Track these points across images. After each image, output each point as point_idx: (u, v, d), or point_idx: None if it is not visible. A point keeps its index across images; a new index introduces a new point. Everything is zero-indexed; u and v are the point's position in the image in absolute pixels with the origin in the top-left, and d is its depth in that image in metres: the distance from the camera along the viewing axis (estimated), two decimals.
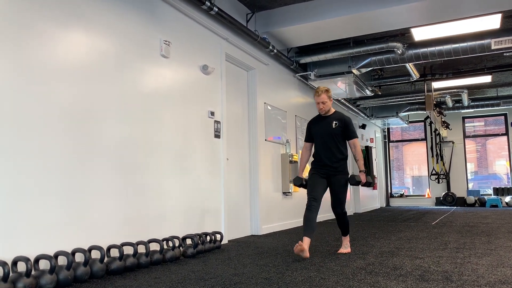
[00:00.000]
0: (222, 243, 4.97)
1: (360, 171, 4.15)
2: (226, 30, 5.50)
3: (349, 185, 4.03)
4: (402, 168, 15.54)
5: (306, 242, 3.83)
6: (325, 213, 8.70)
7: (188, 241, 4.40)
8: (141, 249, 3.82)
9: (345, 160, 4.15)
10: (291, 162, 6.97)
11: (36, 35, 3.05)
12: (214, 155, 5.11)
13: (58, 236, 3.10)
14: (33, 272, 2.80)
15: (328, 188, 4.17)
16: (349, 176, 4.15)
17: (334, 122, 4.10)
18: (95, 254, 3.33)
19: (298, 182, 4.25)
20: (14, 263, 2.71)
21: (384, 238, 5.37)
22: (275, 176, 6.70)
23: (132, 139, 3.86)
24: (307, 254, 3.75)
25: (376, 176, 13.11)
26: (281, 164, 6.92)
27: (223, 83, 5.37)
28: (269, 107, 6.64)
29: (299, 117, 7.88)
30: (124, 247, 3.62)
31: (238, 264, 3.63)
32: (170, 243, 4.20)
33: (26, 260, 2.66)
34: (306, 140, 4.35)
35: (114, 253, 3.51)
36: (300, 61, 7.52)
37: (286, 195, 7.01)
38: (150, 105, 4.12)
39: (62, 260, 3.08)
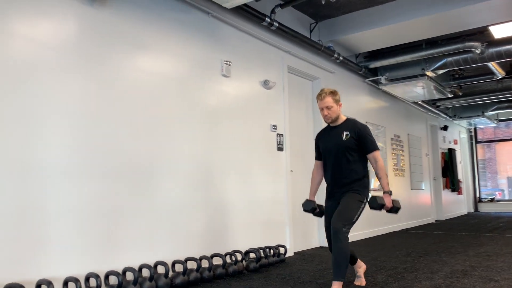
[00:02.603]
0: (287, 255, 5.01)
1: (384, 193, 3.18)
2: (288, 43, 5.53)
3: (361, 207, 3.16)
4: (495, 169, 14.37)
5: (360, 267, 3.47)
6: (400, 222, 8.36)
7: (252, 255, 4.50)
8: (205, 263, 3.98)
9: (362, 179, 3.25)
10: None
11: (108, 65, 3.34)
12: (278, 168, 5.17)
13: (126, 253, 3.36)
14: None
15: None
16: (368, 198, 3.24)
17: (345, 133, 3.26)
18: (161, 269, 3.54)
19: (308, 206, 3.51)
20: (87, 279, 2.99)
21: (460, 253, 5.03)
22: None
23: (196, 155, 4.05)
24: (363, 282, 3.46)
25: (461, 180, 12.27)
26: None
27: (285, 95, 5.41)
28: None
29: (371, 123, 7.65)
30: (188, 262, 3.79)
31: (297, 282, 3.65)
32: (234, 258, 4.32)
33: (96, 276, 2.93)
34: (316, 157, 3.57)
35: (179, 268, 3.71)
36: (370, 66, 7.31)
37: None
38: (213, 123, 4.29)
39: (130, 276, 3.32)
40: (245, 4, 4.51)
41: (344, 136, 3.26)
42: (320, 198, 3.62)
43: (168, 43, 3.91)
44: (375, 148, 3.25)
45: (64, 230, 2.98)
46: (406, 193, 8.83)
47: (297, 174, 5.64)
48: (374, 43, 6.53)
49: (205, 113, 4.22)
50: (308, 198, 3.60)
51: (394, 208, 3.19)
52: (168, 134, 3.82)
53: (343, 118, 3.38)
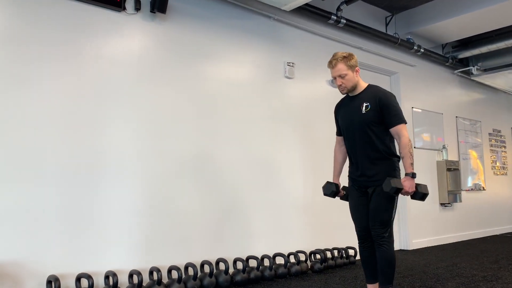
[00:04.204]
0: (358, 257, 4.87)
1: (406, 174, 2.67)
2: (359, 38, 5.37)
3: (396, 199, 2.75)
4: None
5: None
6: (501, 225, 7.59)
7: (317, 256, 4.47)
8: (267, 262, 4.06)
9: (389, 160, 2.75)
10: (449, 170, 6.32)
11: (175, 76, 3.61)
12: (345, 167, 5.04)
13: (189, 249, 3.58)
14: (165, 281, 3.30)
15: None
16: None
17: (364, 105, 2.75)
18: (222, 266, 3.71)
19: (328, 190, 3.04)
20: (150, 272, 3.26)
21: None
22: (429, 186, 6.16)
23: (262, 156, 4.16)
24: None
25: None
26: (437, 173, 6.33)
27: None
28: (418, 112, 6.18)
29: (462, 118, 7.07)
30: (250, 260, 3.90)
31: (358, 285, 3.56)
32: (297, 258, 4.34)
33: (157, 270, 3.18)
34: (337, 133, 3.07)
35: (240, 265, 3.84)
36: (458, 56, 6.76)
37: (445, 206, 6.38)
38: (278, 124, 4.36)
39: (191, 271, 3.53)
40: (307, 4, 4.50)
41: (364, 108, 2.75)
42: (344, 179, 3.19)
43: (230, 49, 4.07)
44: (400, 121, 2.69)
45: (131, 227, 3.28)
46: (509, 193, 7.98)
47: None
48: (463, 31, 6.00)
49: (269, 116, 4.31)
50: (330, 180, 3.12)
51: (419, 194, 2.67)
52: (233, 137, 3.97)
53: (363, 85, 2.84)
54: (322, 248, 4.44)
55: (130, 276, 3.13)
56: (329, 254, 4.43)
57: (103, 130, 3.22)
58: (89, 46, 3.21)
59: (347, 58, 2.76)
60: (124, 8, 3.42)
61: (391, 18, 5.83)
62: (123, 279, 3.14)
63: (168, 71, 3.63)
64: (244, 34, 4.21)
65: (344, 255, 4.48)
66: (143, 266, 3.28)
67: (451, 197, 6.30)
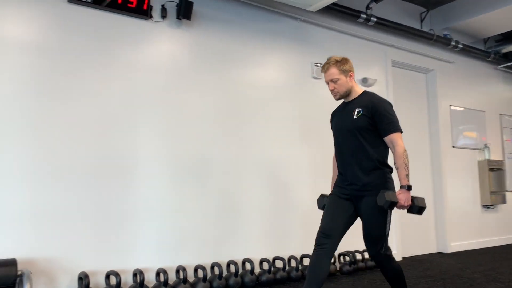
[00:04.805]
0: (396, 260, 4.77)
1: (401, 187, 2.47)
2: (391, 36, 5.25)
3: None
4: None
5: None
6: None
7: (348, 258, 4.43)
8: (294, 263, 4.07)
9: (380, 170, 2.56)
10: (492, 170, 6.05)
11: (205, 80, 3.72)
12: None
13: (214, 249, 3.66)
14: (191, 280, 3.40)
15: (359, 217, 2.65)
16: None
17: (356, 110, 2.58)
18: (248, 266, 3.76)
19: (321, 204, 2.84)
20: (177, 271, 3.37)
21: None
22: (469, 187, 5.94)
23: (294, 157, 4.18)
24: None
25: None
26: (479, 173, 6.07)
27: (389, 92, 5.16)
28: (456, 110, 5.95)
29: (507, 115, 6.74)
30: (276, 261, 3.93)
31: None
32: None
33: (183, 269, 3.28)
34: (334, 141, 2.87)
35: (265, 266, 3.88)
36: (502, 51, 6.43)
37: (488, 208, 6.11)
38: (306, 127, 4.36)
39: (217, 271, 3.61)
40: (335, 4, 4.47)
41: (356, 113, 2.57)
42: None
43: (256, 52, 4.12)
44: (394, 129, 2.50)
45: (159, 227, 3.41)
46: None
47: None
48: (507, 24, 5.70)
49: (297, 116, 4.32)
50: (323, 193, 2.92)
51: (416, 208, 2.49)
52: (262, 139, 4.02)
53: (358, 91, 2.69)
54: (352, 250, 4.39)
55: (157, 274, 3.25)
56: (359, 256, 4.37)
57: (132, 133, 3.36)
58: (118, 54, 3.37)
59: (340, 62, 2.64)
60: (151, 16, 3.55)
61: (426, 14, 5.66)
62: (151, 277, 3.27)
63: (195, 76, 3.73)
64: (270, 37, 4.24)
65: None
66: (170, 264, 3.39)
67: (494, 198, 6.02)
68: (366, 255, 4.41)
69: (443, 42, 5.61)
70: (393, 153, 2.52)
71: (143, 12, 3.49)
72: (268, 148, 4.06)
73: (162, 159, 3.49)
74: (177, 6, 3.63)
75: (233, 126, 3.90)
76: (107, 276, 3.04)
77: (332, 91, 2.68)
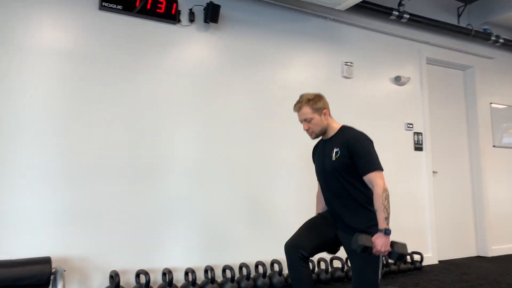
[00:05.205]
0: (429, 263, 4.65)
1: (379, 230, 2.25)
2: (426, 32, 5.10)
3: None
4: None
5: None
6: None
7: None
8: (323, 265, 4.03)
9: (368, 211, 2.39)
10: None
11: (236, 82, 3.76)
12: (416, 169, 4.82)
13: (243, 250, 3.69)
14: (219, 280, 3.44)
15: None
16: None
17: (334, 150, 2.46)
18: (276, 268, 3.75)
19: None
20: (205, 271, 3.41)
21: None
22: None
23: None
24: None
25: None
26: None
27: (424, 90, 5.00)
28: (498, 107, 5.70)
29: None
30: None
31: None
32: None
33: (211, 269, 3.32)
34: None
35: None
36: None
37: None
38: None
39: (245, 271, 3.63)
40: (365, 1, 4.40)
41: (334, 154, 2.46)
42: None
43: (285, 53, 4.11)
44: (372, 168, 2.35)
45: (188, 227, 3.47)
46: None
47: (442, 176, 5.14)
48: None
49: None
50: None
51: (395, 254, 2.25)
52: (291, 139, 4.01)
53: (335, 127, 2.56)
54: None
55: (186, 273, 3.31)
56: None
57: (162, 135, 3.45)
58: (148, 58, 3.46)
59: (313, 100, 2.52)
60: (179, 21, 3.62)
61: (464, 9, 5.45)
62: (179, 277, 3.33)
63: (223, 79, 3.77)
64: (299, 37, 4.22)
65: (408, 261, 4.30)
66: (199, 264, 3.44)
67: None
68: None
69: (482, 37, 5.38)
70: (373, 193, 2.34)
71: (171, 16, 3.57)
72: (299, 149, 4.04)
73: (192, 160, 3.55)
74: (204, 9, 3.68)
75: (263, 128, 3.91)
76: (137, 275, 3.12)
77: (306, 131, 2.56)
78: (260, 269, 3.67)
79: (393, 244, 2.26)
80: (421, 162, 4.87)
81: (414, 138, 4.86)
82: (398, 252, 2.24)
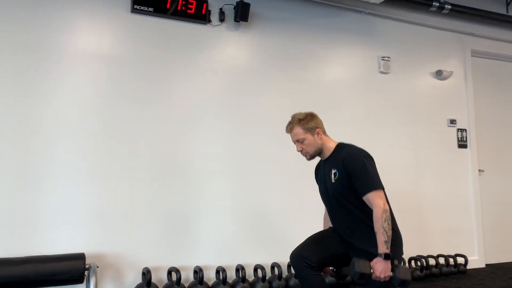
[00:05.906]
0: (475, 267, 4.41)
1: (378, 255, 2.11)
2: (471, 23, 4.83)
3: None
4: None
5: None
6: None
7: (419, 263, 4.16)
8: None
9: (373, 231, 2.20)
10: None
11: (265, 82, 3.75)
12: (460, 168, 4.58)
13: (274, 249, 3.65)
14: (251, 279, 3.43)
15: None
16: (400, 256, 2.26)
17: (332, 172, 2.35)
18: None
19: None
20: (237, 270, 3.41)
21: None
22: None
23: None
24: None
25: None
26: None
27: (468, 84, 4.75)
28: None
29: None
30: None
31: None
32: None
33: (242, 268, 3.32)
34: None
35: None
36: None
37: None
38: (374, 122, 4.19)
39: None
40: None
41: (333, 176, 2.35)
42: None
43: (318, 49, 4.04)
44: (369, 188, 2.21)
45: (220, 226, 3.49)
46: None
47: (489, 175, 4.85)
48: None
49: (364, 113, 4.17)
50: None
51: (397, 280, 2.07)
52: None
53: (331, 147, 2.44)
54: (425, 254, 4.11)
55: (217, 272, 3.32)
56: (432, 261, 4.07)
57: (196, 134, 3.49)
58: (179, 59, 3.51)
59: (304, 120, 2.41)
60: (209, 21, 3.64)
61: None
62: (211, 275, 3.35)
63: (255, 77, 3.75)
64: (332, 32, 4.13)
65: (451, 263, 4.09)
66: (230, 263, 3.44)
67: None
68: (441, 260, 4.12)
69: None
70: (373, 213, 2.20)
71: (201, 17, 3.59)
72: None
73: (225, 159, 3.57)
74: (234, 8, 3.68)
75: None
76: (169, 272, 3.17)
77: (300, 152, 2.46)
78: (292, 269, 3.62)
79: (394, 268, 2.10)
80: (465, 160, 4.63)
81: (457, 135, 4.62)
82: (400, 278, 2.07)
